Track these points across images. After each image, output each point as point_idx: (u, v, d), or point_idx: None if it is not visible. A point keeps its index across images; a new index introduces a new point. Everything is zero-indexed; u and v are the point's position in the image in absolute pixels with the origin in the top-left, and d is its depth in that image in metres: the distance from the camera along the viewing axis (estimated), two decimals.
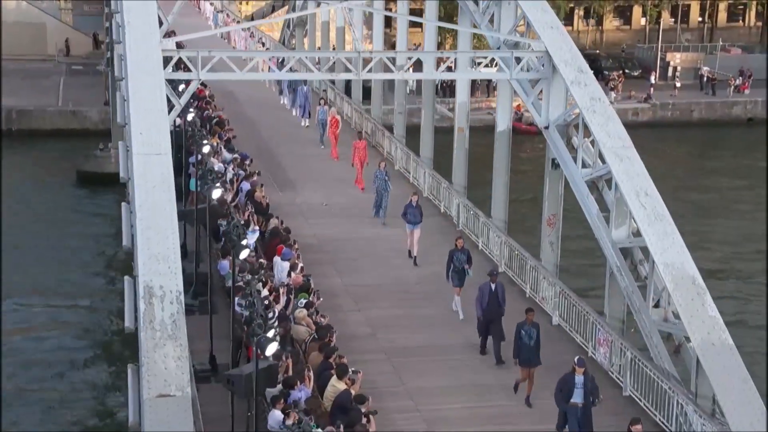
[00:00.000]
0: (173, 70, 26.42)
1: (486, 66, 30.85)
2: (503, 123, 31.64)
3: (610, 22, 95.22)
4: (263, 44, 57.69)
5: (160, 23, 27.75)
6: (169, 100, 26.08)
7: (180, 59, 26.81)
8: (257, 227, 28.34)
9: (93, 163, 56.88)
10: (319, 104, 43.64)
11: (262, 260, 26.41)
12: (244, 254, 20.29)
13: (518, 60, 28.37)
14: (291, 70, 28.41)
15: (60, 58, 78.89)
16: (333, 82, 50.68)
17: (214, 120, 39.31)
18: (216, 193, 22.69)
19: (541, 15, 28.53)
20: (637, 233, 24.64)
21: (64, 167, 58.45)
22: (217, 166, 31.99)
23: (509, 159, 32.13)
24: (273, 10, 76.83)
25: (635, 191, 24.54)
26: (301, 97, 46.29)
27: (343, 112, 46.74)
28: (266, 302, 20.08)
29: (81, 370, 34.68)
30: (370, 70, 27.74)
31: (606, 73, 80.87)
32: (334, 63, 29.46)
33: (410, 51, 34.44)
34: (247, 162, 34.55)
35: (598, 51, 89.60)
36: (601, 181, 26.53)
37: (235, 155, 34.82)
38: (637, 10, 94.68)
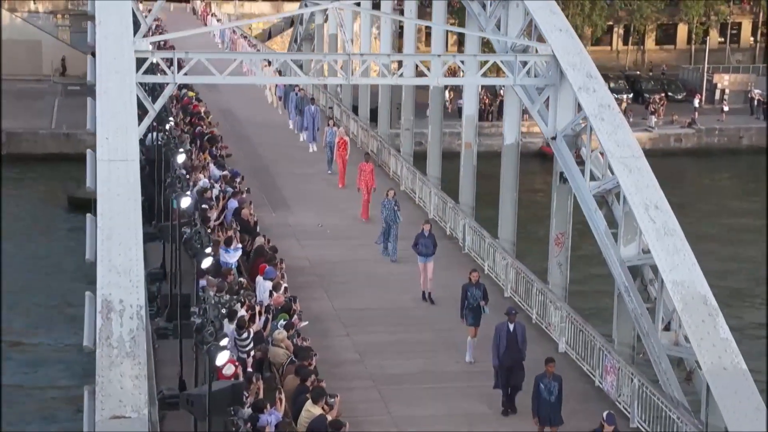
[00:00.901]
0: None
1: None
2: (511, 135, 31.73)
3: (653, 42, 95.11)
4: (269, 62, 58.08)
5: (139, 24, 28.09)
6: (143, 106, 26.39)
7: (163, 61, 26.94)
8: (240, 245, 28.43)
9: (85, 189, 57.10)
10: (327, 125, 42.96)
11: (242, 279, 26.50)
12: (206, 263, 20.35)
13: (524, 64, 28.41)
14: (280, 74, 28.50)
15: (56, 78, 79.69)
16: (340, 99, 50.95)
17: (206, 136, 39.70)
18: (185, 202, 22.78)
19: (548, 17, 28.62)
20: (647, 250, 24.52)
21: (55, 194, 58.76)
22: (202, 181, 32.30)
23: (517, 174, 32.18)
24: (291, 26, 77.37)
25: (644, 204, 24.48)
26: (308, 119, 45.46)
27: (350, 130, 46.87)
28: (222, 314, 20.04)
29: (43, 391, 35.00)
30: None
31: (647, 96, 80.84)
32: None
33: (406, 55, 34.41)
34: (238, 180, 34.78)
35: (638, 72, 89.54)
36: (611, 195, 26.47)
37: (225, 172, 35.05)
38: (682, 29, 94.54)
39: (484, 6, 32.19)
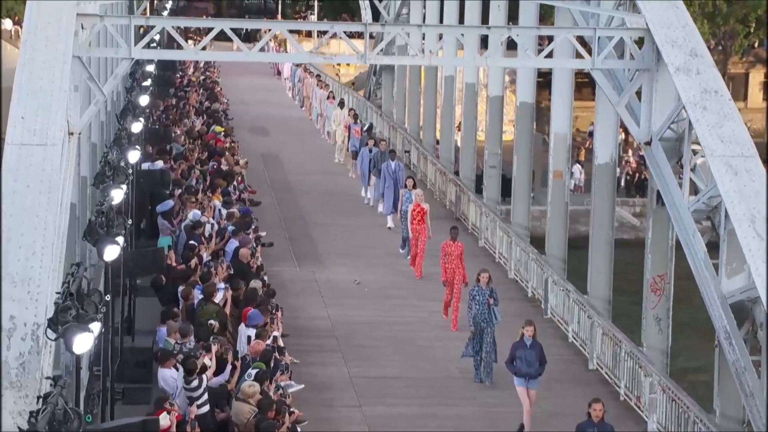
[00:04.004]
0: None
1: None
2: (605, 152, 31.41)
3: None
4: (343, 104, 59.02)
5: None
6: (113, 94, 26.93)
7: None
8: (222, 285, 28.80)
9: None
10: (405, 185, 39.37)
11: (211, 321, 26.75)
12: (111, 254, 20.48)
13: (609, 40, 28.19)
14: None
15: None
16: (421, 141, 51.32)
17: (223, 173, 40.65)
18: (117, 194, 23.09)
19: None
20: None
21: None
22: (192, 213, 33.14)
23: (613, 205, 31.78)
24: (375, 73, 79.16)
25: (750, 216, 23.92)
26: (387, 180, 42.05)
27: (427, 177, 47.02)
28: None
29: None
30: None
31: None
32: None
33: (440, 26, 34.56)
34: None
35: None
36: (717, 213, 25.87)
37: (232, 210, 35.70)
38: None
39: None
